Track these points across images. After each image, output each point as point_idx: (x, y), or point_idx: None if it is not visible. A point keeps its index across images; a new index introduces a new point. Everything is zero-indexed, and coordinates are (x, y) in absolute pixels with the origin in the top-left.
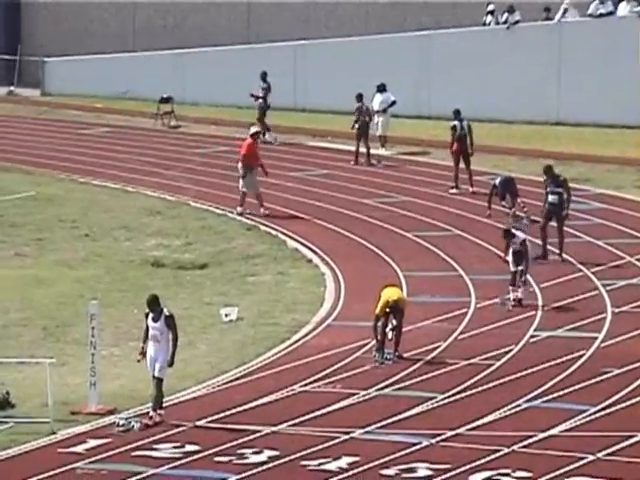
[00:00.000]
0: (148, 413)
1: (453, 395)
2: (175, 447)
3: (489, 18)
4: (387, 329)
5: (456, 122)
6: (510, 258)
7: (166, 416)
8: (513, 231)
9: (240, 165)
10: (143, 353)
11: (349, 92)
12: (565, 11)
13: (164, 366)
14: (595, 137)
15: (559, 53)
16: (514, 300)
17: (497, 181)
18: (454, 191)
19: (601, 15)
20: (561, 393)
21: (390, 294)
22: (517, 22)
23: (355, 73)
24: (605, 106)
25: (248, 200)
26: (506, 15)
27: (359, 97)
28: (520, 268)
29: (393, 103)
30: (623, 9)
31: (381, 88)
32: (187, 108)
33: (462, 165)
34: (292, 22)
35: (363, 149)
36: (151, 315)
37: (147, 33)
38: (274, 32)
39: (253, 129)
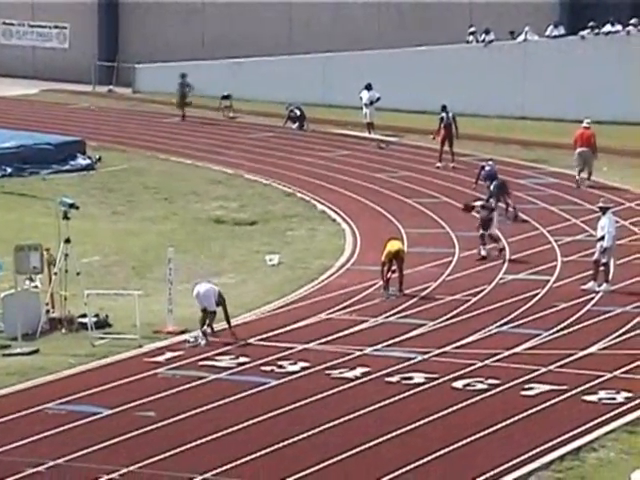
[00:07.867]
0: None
1: (440, 322)
2: (231, 359)
3: (471, 37)
4: (389, 273)
5: (443, 114)
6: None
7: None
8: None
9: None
10: None
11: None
12: (527, 33)
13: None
14: (551, 128)
15: (524, 64)
16: (481, 255)
17: (493, 185)
18: (439, 164)
19: (555, 36)
20: (522, 321)
21: (392, 246)
22: (492, 41)
23: (369, 78)
24: (559, 104)
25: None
26: (484, 35)
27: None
28: (486, 232)
29: (378, 99)
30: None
31: (368, 87)
32: (242, 103)
33: (446, 147)
34: (322, 38)
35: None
36: None
37: (213, 45)
38: (309, 46)
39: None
